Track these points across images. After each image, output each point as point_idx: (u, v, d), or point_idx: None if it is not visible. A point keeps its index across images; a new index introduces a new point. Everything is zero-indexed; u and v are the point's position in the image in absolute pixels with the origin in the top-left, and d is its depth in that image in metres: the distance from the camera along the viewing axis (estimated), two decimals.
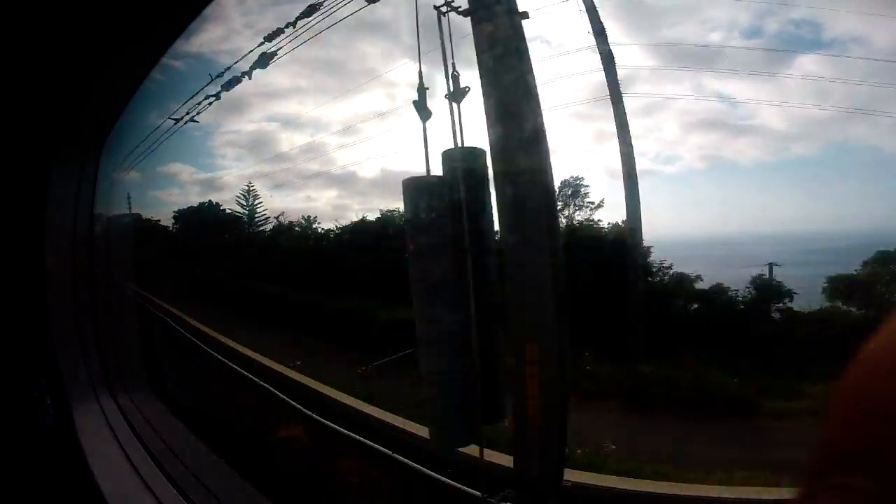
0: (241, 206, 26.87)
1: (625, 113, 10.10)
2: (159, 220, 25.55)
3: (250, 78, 6.56)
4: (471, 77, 2.87)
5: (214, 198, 28.40)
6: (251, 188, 26.84)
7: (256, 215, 26.73)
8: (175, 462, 1.85)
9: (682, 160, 25.62)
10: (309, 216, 23.48)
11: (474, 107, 2.83)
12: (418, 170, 2.69)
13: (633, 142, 10.46)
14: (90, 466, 1.83)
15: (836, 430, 0.33)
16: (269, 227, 25.45)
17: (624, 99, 10.16)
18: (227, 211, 26.17)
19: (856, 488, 0.30)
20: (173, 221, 26.31)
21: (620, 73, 10.16)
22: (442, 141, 2.75)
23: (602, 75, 9.90)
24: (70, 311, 2.57)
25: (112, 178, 2.95)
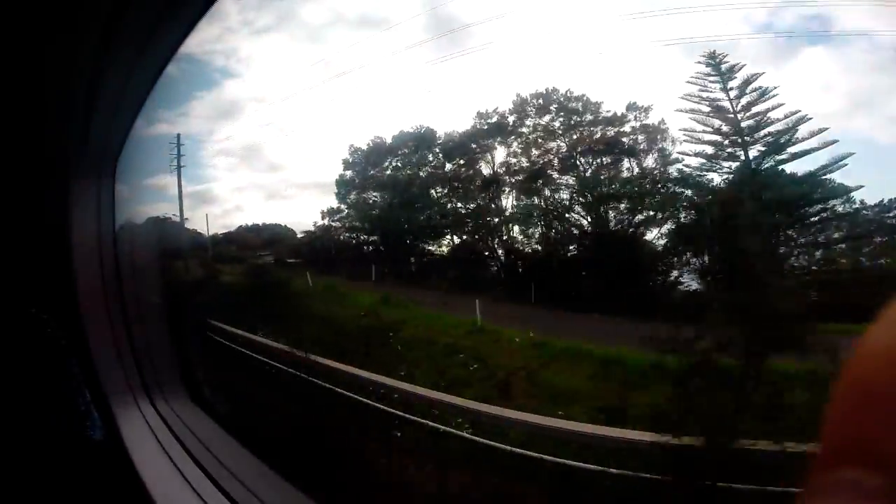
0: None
1: None
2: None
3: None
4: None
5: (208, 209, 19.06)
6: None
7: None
8: (221, 469, 1.92)
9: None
10: None
11: None
12: None
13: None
14: (140, 476, 1.92)
15: (839, 423, 0.32)
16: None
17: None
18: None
19: (861, 484, 0.29)
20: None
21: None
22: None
23: None
24: (104, 324, 2.65)
25: (129, 192, 2.98)
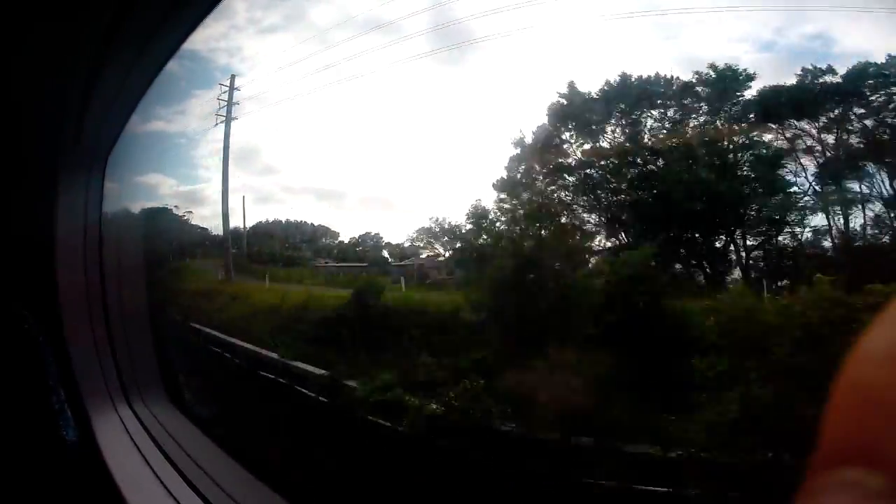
0: None
1: None
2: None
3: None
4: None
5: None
6: None
7: None
8: (197, 470, 1.89)
9: None
10: None
11: None
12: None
13: None
14: (114, 478, 1.87)
15: (838, 423, 0.32)
16: None
17: None
18: None
19: (859, 485, 0.29)
20: None
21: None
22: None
23: None
24: (84, 322, 2.60)
25: (119, 189, 2.96)
